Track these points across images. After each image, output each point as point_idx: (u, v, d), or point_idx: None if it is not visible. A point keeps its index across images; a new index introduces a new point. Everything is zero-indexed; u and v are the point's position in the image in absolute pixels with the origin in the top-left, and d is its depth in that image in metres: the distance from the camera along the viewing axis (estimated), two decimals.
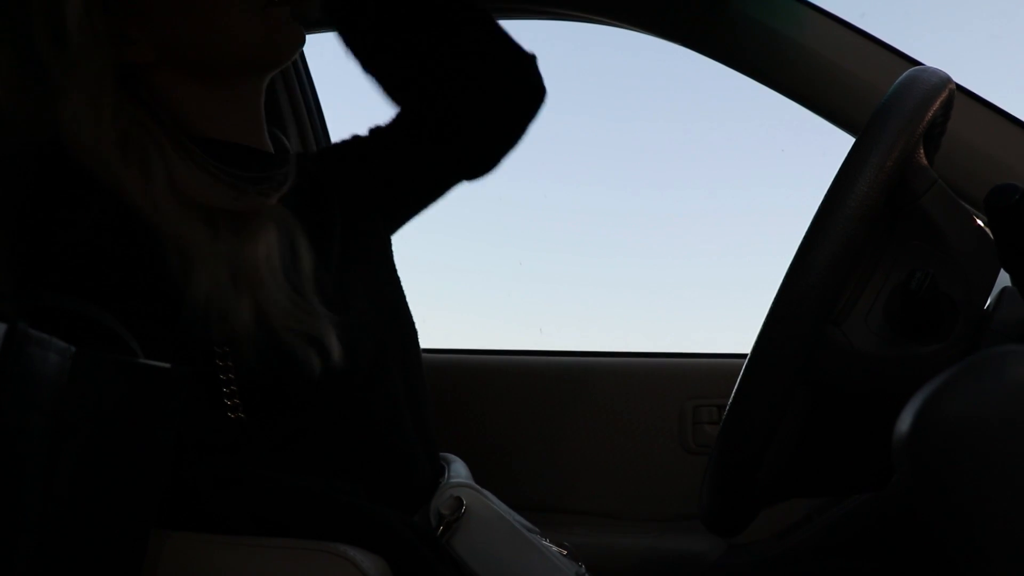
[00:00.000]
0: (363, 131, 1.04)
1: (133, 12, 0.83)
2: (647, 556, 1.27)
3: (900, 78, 0.69)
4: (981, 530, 0.49)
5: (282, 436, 0.78)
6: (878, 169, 0.64)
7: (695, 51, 1.11)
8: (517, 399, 1.39)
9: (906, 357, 0.69)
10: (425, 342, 0.99)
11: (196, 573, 0.67)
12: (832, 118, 1.06)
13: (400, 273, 1.00)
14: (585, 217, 2.14)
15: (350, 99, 1.04)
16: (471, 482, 0.87)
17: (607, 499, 1.35)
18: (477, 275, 2.16)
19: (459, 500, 0.83)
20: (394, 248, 1.02)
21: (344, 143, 1.04)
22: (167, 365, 0.63)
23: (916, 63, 1.01)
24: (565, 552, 0.86)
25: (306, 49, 1.31)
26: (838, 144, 1.07)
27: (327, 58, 1.57)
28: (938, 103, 0.69)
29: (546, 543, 0.85)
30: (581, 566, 0.87)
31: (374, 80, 1.02)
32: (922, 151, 0.71)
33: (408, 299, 0.98)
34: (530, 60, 1.01)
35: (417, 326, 0.97)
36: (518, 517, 0.87)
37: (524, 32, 1.04)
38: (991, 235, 0.68)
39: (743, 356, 0.70)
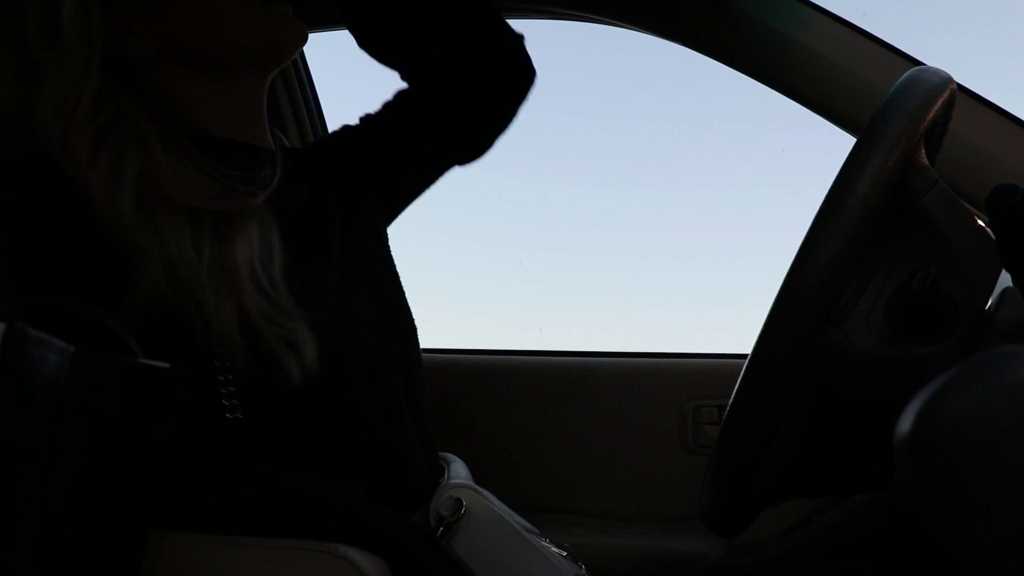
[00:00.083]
0: (353, 121, 1.04)
1: (135, 6, 0.83)
2: (647, 556, 1.27)
3: (901, 78, 0.69)
4: (983, 530, 0.49)
5: (281, 437, 0.78)
6: (879, 169, 0.64)
7: (695, 51, 1.11)
8: (517, 399, 1.39)
9: (907, 357, 0.68)
10: (425, 342, 0.99)
11: (195, 573, 0.67)
12: (833, 118, 1.06)
13: (400, 273, 1.00)
14: (585, 217, 2.14)
15: (350, 99, 1.04)
16: (471, 483, 0.87)
17: (607, 499, 1.34)
18: (477, 275, 2.16)
19: (459, 501, 0.83)
20: (394, 248, 1.02)
21: (334, 134, 1.04)
22: (166, 365, 0.63)
23: (917, 63, 1.01)
24: (565, 553, 0.86)
25: (306, 49, 1.31)
26: (839, 144, 1.07)
27: (327, 58, 1.57)
28: (939, 103, 0.68)
29: (546, 544, 0.85)
30: (581, 567, 0.87)
31: (371, 55, 1.03)
32: (923, 151, 0.71)
33: (408, 299, 0.98)
34: (519, 39, 1.01)
35: (417, 326, 0.97)
36: (518, 518, 0.87)
37: (524, 32, 1.05)
38: (992, 235, 0.68)
39: (744, 356, 0.70)
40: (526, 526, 0.87)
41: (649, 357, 1.41)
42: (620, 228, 2.12)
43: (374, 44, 1.02)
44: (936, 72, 0.70)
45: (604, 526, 1.33)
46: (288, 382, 0.75)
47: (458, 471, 0.90)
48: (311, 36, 0.92)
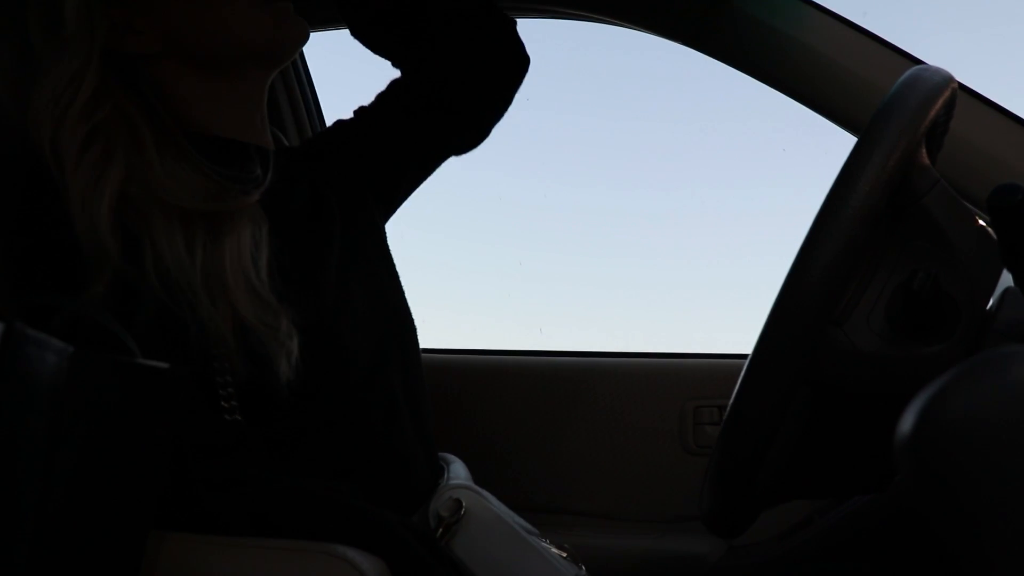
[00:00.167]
0: (347, 115, 1.04)
1: (138, 2, 0.83)
2: (647, 557, 1.27)
3: (902, 77, 0.69)
4: (984, 531, 0.49)
5: (280, 438, 0.78)
6: (880, 169, 0.64)
7: (696, 50, 1.11)
8: (517, 399, 1.38)
9: (908, 357, 0.68)
10: (425, 342, 0.99)
11: (194, 574, 0.67)
12: (834, 117, 1.05)
13: (400, 273, 1.00)
14: (585, 217, 2.14)
15: (350, 99, 1.04)
16: (470, 483, 0.87)
17: (607, 500, 1.34)
18: (477, 275, 2.16)
19: (458, 502, 0.83)
20: (394, 248, 1.02)
21: (329, 130, 1.04)
22: (165, 365, 0.63)
23: (918, 62, 1.01)
24: (565, 554, 0.86)
25: (306, 49, 1.31)
26: (840, 143, 1.07)
27: (327, 58, 1.57)
28: (940, 102, 0.68)
29: (546, 544, 0.85)
30: (581, 568, 0.86)
31: (364, 44, 1.03)
32: (924, 151, 0.71)
33: (408, 299, 0.98)
34: (511, 25, 1.01)
35: (417, 326, 0.97)
36: (518, 518, 0.87)
37: (524, 31, 1.05)
38: (993, 235, 0.68)
39: (744, 356, 0.69)
40: (526, 527, 0.86)
41: (649, 357, 1.41)
42: (620, 228, 2.12)
43: (368, 32, 1.02)
44: (937, 71, 0.70)
45: (604, 527, 1.33)
46: (280, 381, 0.75)
47: (458, 472, 0.90)
48: (311, 36, 0.92)
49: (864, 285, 0.70)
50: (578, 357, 1.43)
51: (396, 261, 1.01)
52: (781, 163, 2.02)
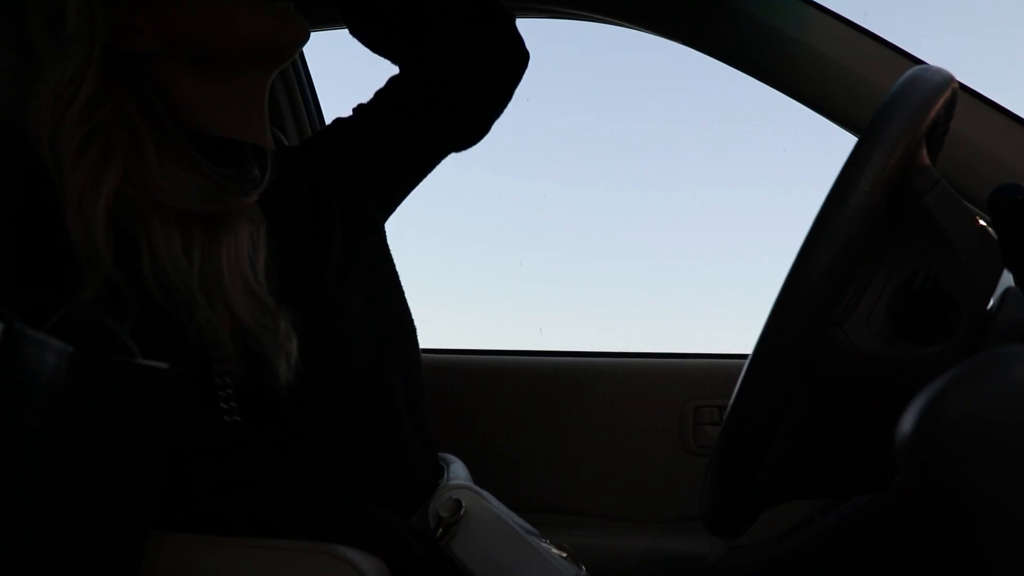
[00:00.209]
0: (346, 113, 1.04)
1: (140, 1, 0.83)
2: (647, 557, 1.27)
3: (903, 77, 0.69)
4: (985, 531, 0.49)
5: (280, 438, 0.78)
6: (880, 169, 0.64)
7: (696, 49, 1.10)
8: (517, 399, 1.38)
9: (908, 358, 0.68)
10: (425, 342, 0.99)
11: (194, 574, 0.67)
12: (834, 117, 1.05)
13: (400, 273, 1.00)
14: (585, 217, 2.14)
15: (350, 99, 1.04)
16: (470, 483, 0.87)
17: (607, 500, 1.34)
18: (477, 275, 2.16)
19: (458, 502, 0.83)
20: (394, 248, 1.02)
21: (329, 128, 1.04)
22: (164, 365, 0.63)
23: (919, 62, 1.01)
24: (565, 554, 0.86)
25: (306, 49, 1.31)
26: (840, 143, 1.07)
27: (327, 58, 1.57)
28: (941, 102, 0.68)
29: (546, 545, 0.85)
30: (581, 568, 0.86)
31: (363, 42, 1.02)
32: (925, 150, 0.70)
33: (408, 299, 0.98)
34: (510, 20, 1.01)
35: (417, 326, 0.96)
36: (517, 519, 0.87)
37: (523, 31, 1.05)
38: (994, 235, 0.67)
39: (744, 356, 0.69)
40: (526, 527, 0.86)
41: (649, 357, 1.41)
42: (620, 228, 2.12)
43: (367, 31, 1.02)
44: (938, 71, 0.70)
45: (604, 527, 1.33)
46: (279, 383, 0.75)
47: (457, 472, 0.90)
48: (311, 35, 0.92)
49: (864, 285, 0.70)
50: (578, 357, 1.43)
51: (396, 261, 1.01)
52: (781, 163, 2.02)
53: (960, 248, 0.69)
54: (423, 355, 0.96)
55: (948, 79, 0.70)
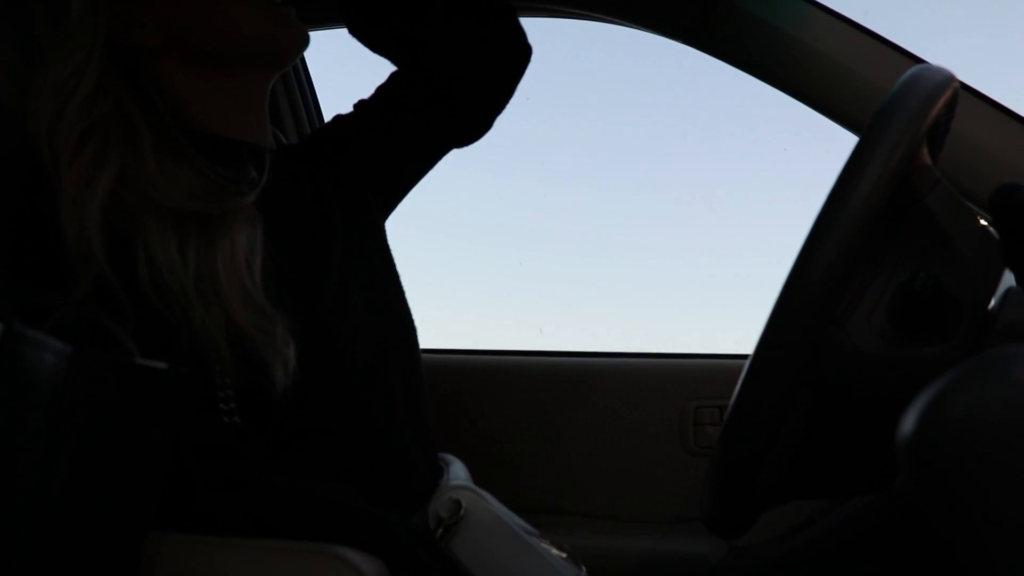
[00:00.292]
0: (348, 108, 1.03)
1: None
2: (648, 558, 1.27)
3: (904, 76, 0.69)
4: (986, 532, 0.49)
5: (279, 439, 0.77)
6: (882, 168, 0.64)
7: (697, 48, 1.10)
8: (517, 400, 1.38)
9: (909, 358, 0.68)
10: (425, 342, 0.98)
11: (193, 574, 0.67)
12: (835, 116, 1.05)
13: (400, 273, 0.99)
14: (586, 217, 2.14)
15: (350, 99, 1.03)
16: (470, 484, 0.87)
17: (608, 501, 1.34)
18: (477, 275, 2.16)
19: (458, 503, 0.83)
20: (394, 248, 1.02)
21: (329, 126, 1.03)
22: (164, 366, 0.63)
23: (920, 61, 1.01)
24: (565, 555, 0.85)
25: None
26: (841, 143, 1.07)
27: (326, 58, 1.57)
28: (942, 101, 0.68)
29: (546, 546, 0.85)
30: (582, 569, 0.86)
31: (363, 42, 1.01)
32: (926, 150, 0.70)
33: (408, 299, 0.97)
34: (512, 14, 1.00)
35: (417, 326, 0.96)
36: (518, 519, 0.86)
37: (526, 31, 1.04)
38: (995, 235, 0.67)
39: (745, 357, 0.69)
40: (526, 527, 0.86)
41: (650, 357, 1.41)
42: (621, 228, 2.12)
43: (367, 31, 1.01)
44: (939, 70, 0.70)
45: (604, 527, 1.32)
46: (277, 388, 0.74)
47: (457, 472, 0.90)
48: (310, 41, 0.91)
49: (865, 285, 0.70)
50: (578, 357, 1.43)
51: (396, 261, 1.00)
52: (782, 163, 2.01)
53: (961, 248, 0.68)
54: (423, 355, 0.96)
55: (949, 78, 0.70)
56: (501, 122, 1.05)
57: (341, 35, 1.14)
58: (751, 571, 1.01)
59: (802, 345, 0.65)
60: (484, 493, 0.86)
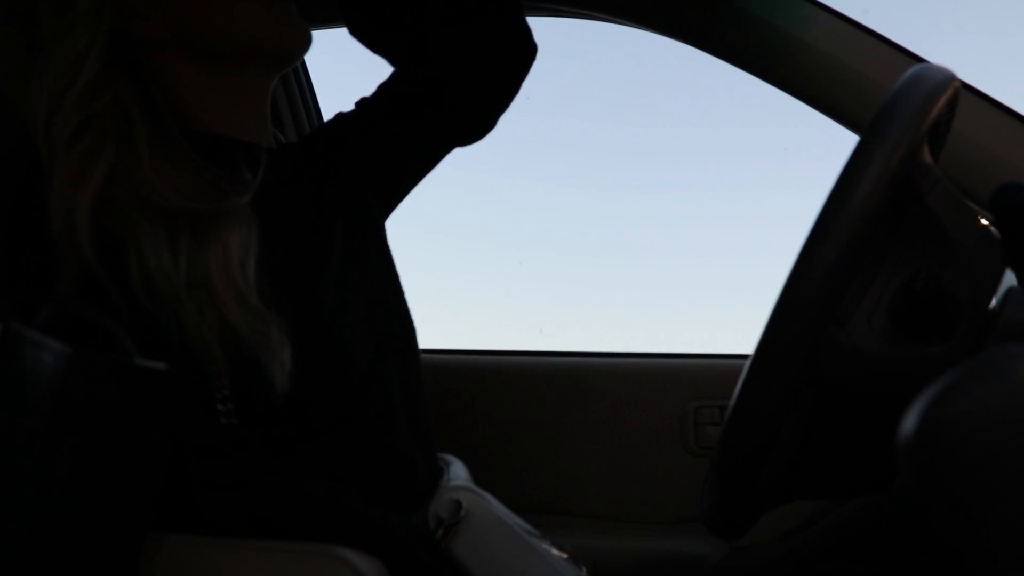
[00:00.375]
0: (348, 108, 1.02)
1: None
2: (648, 558, 1.27)
3: (904, 75, 0.69)
4: (988, 532, 0.49)
5: (278, 440, 0.77)
6: (882, 167, 0.64)
7: (697, 48, 1.10)
8: (517, 400, 1.38)
9: (910, 358, 0.68)
10: (425, 342, 0.98)
11: (193, 575, 0.67)
12: (835, 115, 1.05)
13: (400, 273, 0.99)
14: (586, 218, 2.14)
15: (349, 99, 1.03)
16: (470, 484, 0.87)
17: (608, 501, 1.34)
18: (477, 275, 2.16)
19: (458, 503, 0.83)
20: (394, 248, 1.02)
21: (330, 124, 1.02)
22: (163, 366, 0.63)
23: (921, 60, 1.01)
24: (566, 556, 0.85)
25: None
26: (842, 142, 1.06)
27: (325, 58, 1.57)
28: (943, 101, 0.68)
29: (546, 546, 0.84)
30: (583, 570, 0.86)
31: (363, 42, 1.01)
32: (927, 149, 0.70)
33: (408, 299, 0.97)
34: (517, 9, 0.99)
35: (417, 326, 0.96)
36: (518, 520, 0.86)
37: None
38: (997, 234, 0.67)
39: (745, 357, 0.69)
40: (526, 528, 0.86)
41: (650, 357, 1.41)
42: (621, 228, 2.12)
43: (367, 31, 1.00)
44: (940, 69, 0.70)
45: (605, 528, 1.32)
46: (275, 390, 0.74)
47: (458, 472, 0.90)
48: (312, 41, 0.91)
49: (866, 285, 0.70)
50: (578, 357, 1.43)
51: (396, 261, 1.00)
52: (783, 163, 2.01)
53: (962, 248, 0.68)
54: (423, 355, 0.95)
55: (950, 77, 0.70)
56: (502, 122, 1.04)
57: (341, 35, 1.13)
58: (751, 571, 1.01)
59: (803, 345, 0.65)
60: (484, 493, 0.86)
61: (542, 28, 1.19)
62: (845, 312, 0.70)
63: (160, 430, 0.64)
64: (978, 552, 0.49)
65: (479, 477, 0.91)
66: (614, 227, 2.10)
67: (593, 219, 2.13)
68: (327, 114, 1.55)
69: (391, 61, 1.02)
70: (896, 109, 0.65)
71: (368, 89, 1.03)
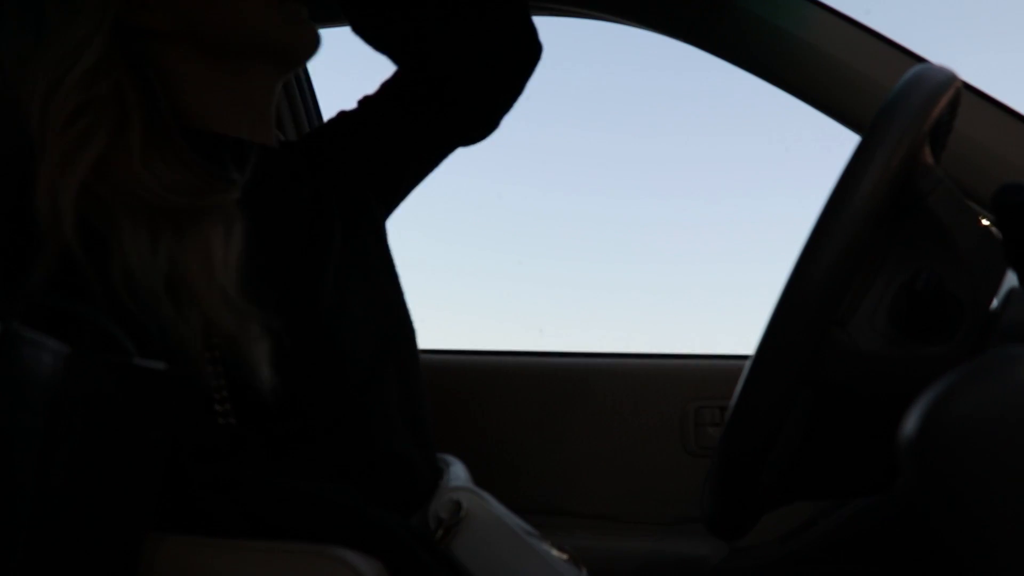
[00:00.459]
0: (350, 106, 1.02)
1: None
2: (649, 559, 1.27)
3: (906, 75, 0.69)
4: (989, 533, 0.49)
5: (276, 441, 0.77)
6: (883, 168, 0.64)
7: (698, 47, 1.10)
8: (517, 400, 1.38)
9: (911, 358, 0.68)
10: (425, 342, 0.98)
11: (193, 575, 0.67)
12: (836, 115, 1.05)
13: (401, 274, 0.99)
14: (586, 219, 2.14)
15: (349, 99, 1.03)
16: (470, 485, 0.87)
17: (608, 501, 1.34)
18: (478, 276, 2.16)
19: (458, 504, 0.83)
20: (394, 249, 1.01)
21: (331, 122, 1.02)
22: (161, 366, 0.63)
23: (922, 60, 1.00)
24: (566, 556, 0.85)
25: None
26: (842, 142, 1.06)
27: (326, 58, 1.57)
28: (944, 101, 0.68)
29: (546, 547, 0.84)
30: (583, 570, 0.86)
31: (366, 40, 1.00)
32: (928, 149, 0.70)
33: (408, 299, 0.97)
34: (523, 8, 0.98)
35: (417, 326, 0.96)
36: (518, 520, 0.86)
37: None
38: (998, 235, 0.67)
39: (746, 357, 0.69)
40: (526, 528, 0.86)
41: (650, 358, 1.41)
42: (621, 230, 2.12)
43: (370, 29, 0.99)
44: (941, 69, 0.70)
45: (605, 528, 1.32)
46: (265, 386, 0.74)
47: (457, 473, 0.89)
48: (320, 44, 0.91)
49: (867, 285, 0.70)
50: (579, 357, 1.43)
51: (396, 261, 1.00)
52: (783, 163, 2.01)
53: (964, 248, 0.68)
54: (423, 355, 0.95)
55: (951, 77, 0.70)
56: (505, 126, 1.02)
57: (341, 35, 1.13)
58: (752, 572, 1.01)
59: (803, 345, 0.64)
60: (484, 494, 0.86)
61: (543, 28, 1.19)
62: (846, 312, 0.70)
63: (159, 430, 0.64)
64: (978, 552, 0.49)
65: (479, 477, 0.91)
66: (615, 230, 2.11)
67: (594, 222, 2.13)
68: (327, 114, 1.55)
69: (394, 59, 1.01)
70: (897, 109, 0.65)
71: (367, 89, 1.03)
